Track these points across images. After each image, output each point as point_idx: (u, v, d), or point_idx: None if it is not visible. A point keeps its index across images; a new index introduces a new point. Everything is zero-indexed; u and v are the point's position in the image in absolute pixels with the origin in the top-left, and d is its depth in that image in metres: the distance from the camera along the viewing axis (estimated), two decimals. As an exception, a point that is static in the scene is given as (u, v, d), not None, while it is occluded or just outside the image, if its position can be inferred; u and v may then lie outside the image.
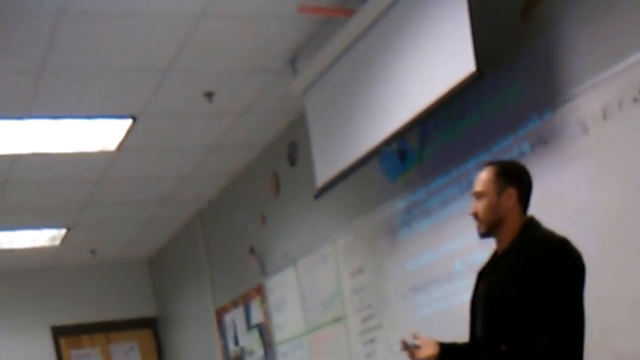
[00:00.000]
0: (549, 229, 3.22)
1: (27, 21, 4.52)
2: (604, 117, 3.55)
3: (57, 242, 8.60)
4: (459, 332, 3.57)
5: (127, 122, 5.95)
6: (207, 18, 4.74)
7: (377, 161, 5.16)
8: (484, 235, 3.31)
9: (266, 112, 6.15)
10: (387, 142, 4.60)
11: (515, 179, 3.25)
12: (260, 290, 7.18)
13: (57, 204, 7.47)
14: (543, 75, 3.87)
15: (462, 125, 4.46)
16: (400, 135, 4.54)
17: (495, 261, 3.28)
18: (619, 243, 3.51)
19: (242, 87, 5.68)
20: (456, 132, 4.52)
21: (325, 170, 5.22)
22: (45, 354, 9.59)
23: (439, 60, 4.10)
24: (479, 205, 3.28)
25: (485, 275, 3.32)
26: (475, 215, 3.29)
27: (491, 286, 3.27)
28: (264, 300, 7.12)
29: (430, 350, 3.52)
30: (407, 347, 3.55)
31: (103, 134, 6.08)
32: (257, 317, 7.32)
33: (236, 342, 7.82)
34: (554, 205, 3.70)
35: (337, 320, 5.92)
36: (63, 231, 8.28)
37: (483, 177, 3.29)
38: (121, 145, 6.31)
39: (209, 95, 5.64)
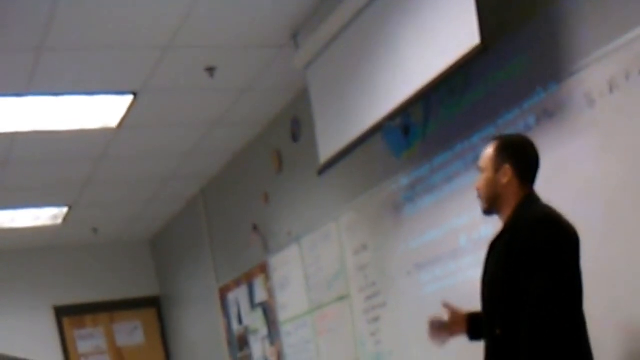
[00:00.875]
0: (544, 204, 3.20)
1: (27, -3, 4.47)
2: (610, 89, 3.51)
3: (59, 220, 8.57)
4: (464, 309, 3.57)
5: (128, 99, 5.91)
6: (208, -8, 4.70)
7: (380, 137, 5.13)
8: (487, 212, 3.35)
9: (268, 87, 6.10)
10: (391, 117, 4.56)
11: (512, 155, 3.24)
12: (263, 269, 7.15)
13: (58, 182, 7.44)
14: (548, 47, 3.82)
15: (467, 99, 4.41)
16: (404, 109, 4.50)
17: (497, 238, 3.28)
18: (625, 215, 3.47)
19: (244, 62, 5.63)
20: (460, 107, 4.47)
21: (328, 146, 5.19)
22: (48, 334, 9.57)
23: (443, 33, 4.05)
24: (481, 181, 3.30)
25: (491, 250, 3.31)
26: (478, 190, 3.32)
27: (487, 267, 3.29)
28: (267, 279, 7.10)
29: (458, 328, 3.56)
30: (434, 326, 3.58)
31: (104, 111, 6.04)
32: (260, 295, 7.30)
33: (240, 321, 7.80)
34: (560, 178, 3.69)
35: (341, 298, 5.89)
36: (65, 209, 8.25)
37: (485, 153, 3.31)
38: (122, 122, 6.27)
39: (211, 70, 5.58)
